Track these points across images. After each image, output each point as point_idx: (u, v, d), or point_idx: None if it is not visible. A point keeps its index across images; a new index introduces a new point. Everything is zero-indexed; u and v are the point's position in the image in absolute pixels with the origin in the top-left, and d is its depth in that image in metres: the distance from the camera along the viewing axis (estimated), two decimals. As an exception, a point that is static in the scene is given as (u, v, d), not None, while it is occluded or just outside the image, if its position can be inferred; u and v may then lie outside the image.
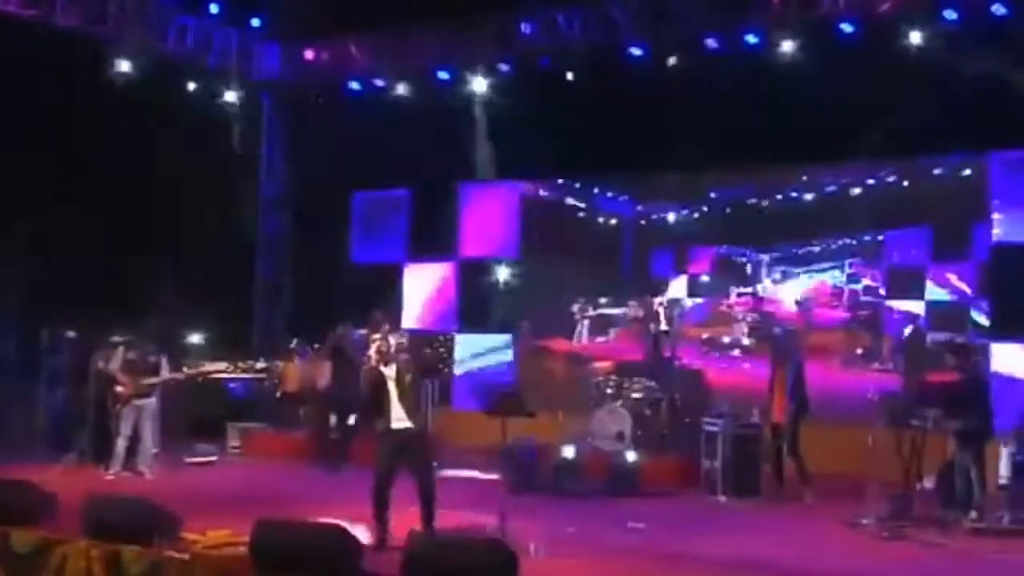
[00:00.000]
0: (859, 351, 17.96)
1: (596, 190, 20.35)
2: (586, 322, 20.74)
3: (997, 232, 13.76)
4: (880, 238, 18.19)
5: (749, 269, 20.52)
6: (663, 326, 16.86)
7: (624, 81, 16.14)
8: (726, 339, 18.44)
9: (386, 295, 17.40)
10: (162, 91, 17.58)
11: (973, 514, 10.88)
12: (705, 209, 20.08)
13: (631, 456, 12.53)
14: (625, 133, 16.46)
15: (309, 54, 18.82)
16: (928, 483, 11.47)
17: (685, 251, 20.73)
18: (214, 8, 18.02)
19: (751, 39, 15.03)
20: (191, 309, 17.03)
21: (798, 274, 19.67)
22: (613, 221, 21.11)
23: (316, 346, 15.60)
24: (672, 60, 15.52)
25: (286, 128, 19.10)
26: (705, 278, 20.36)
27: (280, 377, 15.40)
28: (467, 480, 12.96)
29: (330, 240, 18.30)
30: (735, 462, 12.21)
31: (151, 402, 13.21)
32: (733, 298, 20.33)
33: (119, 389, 13.20)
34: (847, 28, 14.36)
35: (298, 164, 18.84)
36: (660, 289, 20.49)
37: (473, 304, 16.87)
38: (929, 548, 10.15)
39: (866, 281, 18.98)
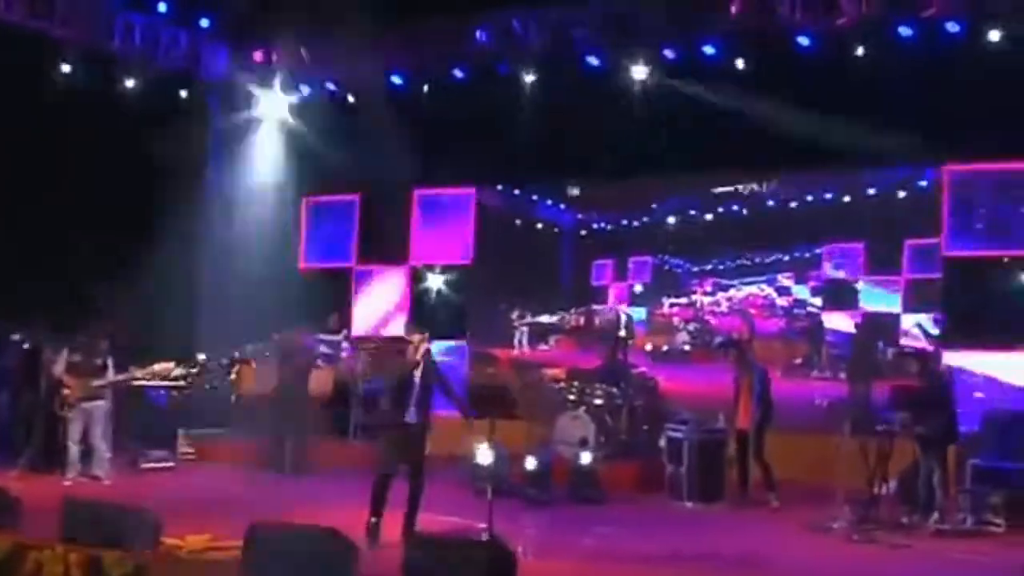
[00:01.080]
0: (797, 360, 18.36)
1: (535, 198, 20.40)
2: (525, 330, 20.82)
3: (947, 244, 14.02)
4: (809, 254, 18.65)
5: (683, 280, 20.90)
6: (622, 332, 16.91)
7: (579, 89, 16.17)
8: (666, 347, 18.64)
9: (336, 300, 17.21)
10: (108, 90, 17.22)
11: (936, 516, 11.15)
12: (646, 220, 20.39)
13: (590, 458, 12.56)
14: (578, 141, 16.54)
15: (258, 56, 18.56)
16: (891, 487, 11.68)
17: (625, 261, 21.02)
18: (162, 7, 17.66)
19: (708, 50, 15.14)
20: (134, 311, 16.68)
21: (730, 286, 20.08)
22: (555, 230, 21.28)
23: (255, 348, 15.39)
24: (634, 71, 15.56)
25: (234, 130, 18.76)
26: (639, 287, 20.62)
27: (237, 381, 15.08)
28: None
29: (279, 244, 18.03)
30: (700, 468, 12.32)
31: (100, 405, 12.89)
32: (666, 308, 20.63)
33: (65, 392, 12.85)
34: (804, 41, 14.55)
35: (246, 167, 18.52)
36: (600, 298, 20.70)
37: (424, 310, 16.70)
38: (898, 550, 10.38)
39: (796, 294, 19.45)
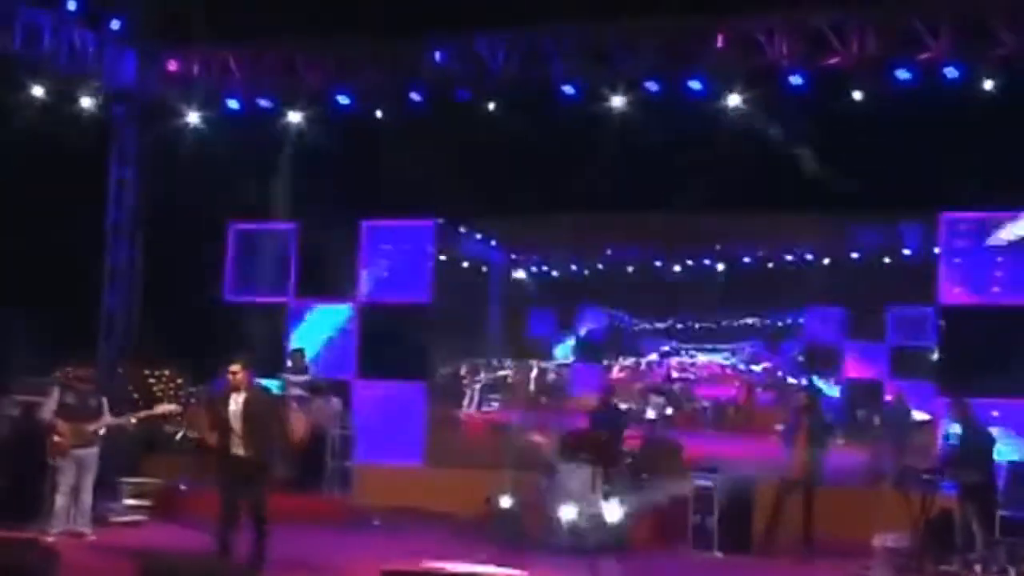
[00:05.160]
0: (779, 427, 18.89)
1: (462, 230, 19.70)
2: (477, 387, 20.16)
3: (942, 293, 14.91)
4: (782, 323, 19.12)
5: (634, 338, 20.78)
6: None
7: (547, 119, 16.45)
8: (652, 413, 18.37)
9: (267, 337, 16.77)
10: (4, 92, 16.40)
11: (978, 568, 11.87)
12: (600, 267, 20.17)
13: (620, 513, 12.77)
14: (541, 175, 16.87)
15: (173, 64, 18.00)
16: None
17: (571, 312, 20.71)
18: (72, 5, 16.96)
19: (695, 85, 15.66)
20: (28, 345, 15.98)
21: (689, 351, 20.16)
22: (483, 269, 20.86)
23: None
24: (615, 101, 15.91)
25: (143, 145, 18.10)
26: (571, 342, 20.47)
27: (189, 425, 14.47)
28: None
29: (198, 274, 17.44)
30: (731, 517, 12.71)
31: (93, 452, 12.26)
32: (616, 370, 20.39)
33: (56, 439, 12.13)
34: (796, 80, 15.26)
35: (158, 187, 17.86)
36: (540, 352, 20.37)
37: (375, 351, 16.45)
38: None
39: (765, 364, 19.79)
